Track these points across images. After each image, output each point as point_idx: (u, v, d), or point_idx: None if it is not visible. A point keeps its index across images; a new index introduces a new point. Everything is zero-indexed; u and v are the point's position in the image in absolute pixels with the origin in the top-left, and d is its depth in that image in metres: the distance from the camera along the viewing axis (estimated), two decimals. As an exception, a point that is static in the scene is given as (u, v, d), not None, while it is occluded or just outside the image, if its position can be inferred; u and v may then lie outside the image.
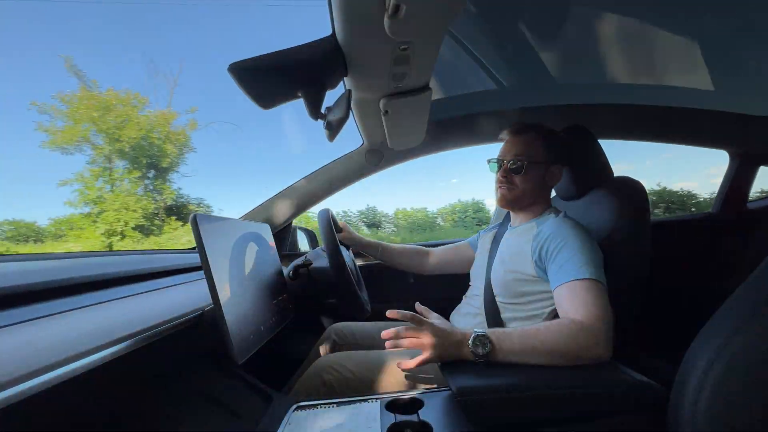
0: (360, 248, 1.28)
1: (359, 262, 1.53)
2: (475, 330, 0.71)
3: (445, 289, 1.24)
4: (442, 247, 1.30)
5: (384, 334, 0.73)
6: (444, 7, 0.56)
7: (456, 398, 0.63)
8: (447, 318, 1.10)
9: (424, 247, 1.31)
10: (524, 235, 0.93)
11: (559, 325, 0.72)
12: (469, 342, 0.70)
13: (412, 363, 0.71)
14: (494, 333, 0.71)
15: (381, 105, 0.92)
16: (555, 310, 0.83)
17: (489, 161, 1.01)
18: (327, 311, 1.50)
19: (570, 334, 0.70)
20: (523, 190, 0.96)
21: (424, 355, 0.71)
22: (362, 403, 0.72)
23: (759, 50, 1.08)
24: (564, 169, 1.02)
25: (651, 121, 1.46)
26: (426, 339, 0.71)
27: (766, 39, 1.03)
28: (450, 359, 0.72)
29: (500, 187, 0.98)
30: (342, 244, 1.16)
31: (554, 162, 0.96)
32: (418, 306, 0.83)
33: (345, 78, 0.80)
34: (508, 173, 0.96)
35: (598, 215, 0.93)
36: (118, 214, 10.19)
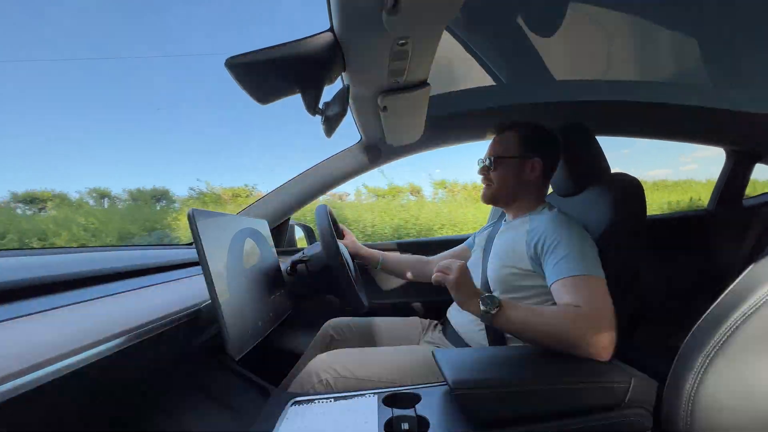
0: (360, 257, 1.27)
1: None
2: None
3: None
4: (441, 254, 1.29)
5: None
6: (443, 2, 0.56)
7: (452, 392, 0.64)
8: (443, 314, 1.11)
9: (424, 257, 1.30)
10: (518, 229, 0.94)
11: (561, 310, 0.73)
12: (480, 298, 0.76)
13: (439, 278, 0.80)
14: (505, 300, 0.77)
15: (379, 101, 0.92)
16: (553, 305, 0.84)
17: (478, 162, 1.05)
18: (324, 306, 1.50)
19: (570, 321, 0.71)
20: (499, 185, 1.00)
21: (448, 285, 0.79)
22: (360, 397, 0.72)
23: (756, 47, 1.08)
24: (559, 163, 1.03)
25: (649, 118, 1.46)
26: (453, 275, 0.78)
27: (764, 36, 1.03)
28: (461, 304, 0.79)
29: (483, 184, 1.04)
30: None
31: (531, 156, 0.97)
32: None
33: (343, 73, 0.80)
34: (484, 171, 1.02)
35: (595, 212, 0.94)
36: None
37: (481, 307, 0.75)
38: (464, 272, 0.79)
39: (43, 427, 0.47)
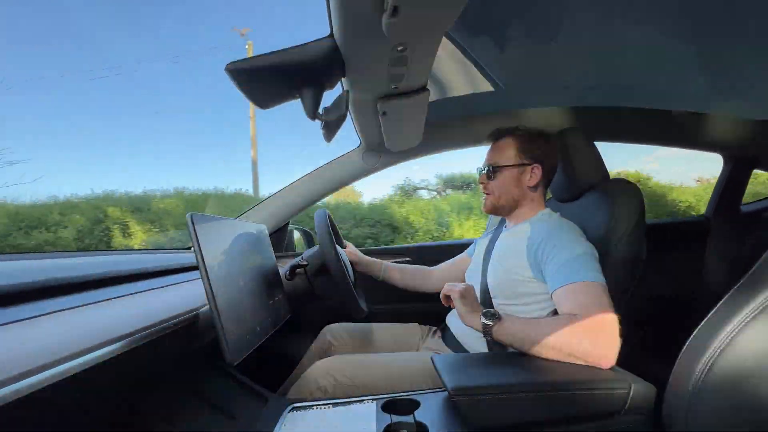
0: (362, 267, 1.26)
1: None
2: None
3: None
4: (443, 264, 1.28)
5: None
6: (443, 9, 0.56)
7: (451, 398, 0.64)
8: (443, 320, 1.11)
9: (426, 267, 1.30)
10: (519, 236, 0.93)
11: (559, 320, 0.73)
12: (482, 312, 0.79)
13: (447, 291, 0.87)
14: (505, 313, 0.79)
15: (378, 106, 0.92)
16: (553, 312, 0.83)
17: (477, 170, 1.04)
18: (323, 311, 1.50)
19: (568, 331, 0.70)
20: (499, 195, 0.99)
21: (454, 299, 0.84)
22: (358, 404, 0.72)
23: (754, 54, 1.09)
24: (557, 169, 1.03)
25: (647, 123, 1.47)
26: (459, 290, 0.84)
27: (762, 43, 1.04)
28: (464, 317, 0.82)
29: (482, 193, 1.03)
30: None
31: (530, 163, 0.96)
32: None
33: (343, 79, 0.80)
34: (483, 181, 1.01)
35: (594, 217, 0.94)
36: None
37: (482, 321, 0.77)
38: (470, 287, 0.85)
39: (42, 431, 0.46)
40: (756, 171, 1.69)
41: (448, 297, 0.87)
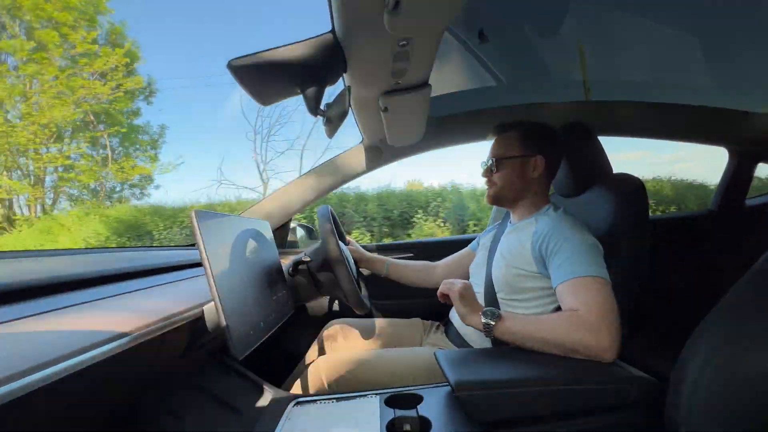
0: (366, 264, 1.27)
1: None
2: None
3: None
4: (446, 259, 1.27)
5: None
6: (444, 3, 0.56)
7: (454, 393, 0.64)
8: (446, 315, 1.11)
9: (430, 262, 1.29)
10: (524, 231, 0.93)
11: (560, 317, 0.74)
12: (482, 311, 0.79)
13: (444, 289, 0.87)
14: (505, 312, 0.80)
15: (380, 102, 0.92)
16: (557, 308, 0.83)
17: (481, 164, 1.04)
18: (326, 307, 1.50)
19: (569, 326, 0.71)
20: (503, 186, 0.99)
21: (452, 296, 0.84)
22: (361, 398, 0.72)
23: (758, 47, 1.08)
24: (561, 162, 1.02)
25: (651, 117, 1.46)
26: (458, 287, 0.83)
27: (766, 36, 1.03)
28: (463, 317, 0.81)
29: (486, 185, 1.03)
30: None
31: (533, 154, 0.96)
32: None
33: (344, 74, 0.80)
34: (487, 173, 1.01)
35: (598, 212, 0.93)
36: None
37: (483, 320, 0.77)
38: (468, 286, 0.84)
39: (47, 426, 0.47)
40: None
41: (446, 295, 0.87)
